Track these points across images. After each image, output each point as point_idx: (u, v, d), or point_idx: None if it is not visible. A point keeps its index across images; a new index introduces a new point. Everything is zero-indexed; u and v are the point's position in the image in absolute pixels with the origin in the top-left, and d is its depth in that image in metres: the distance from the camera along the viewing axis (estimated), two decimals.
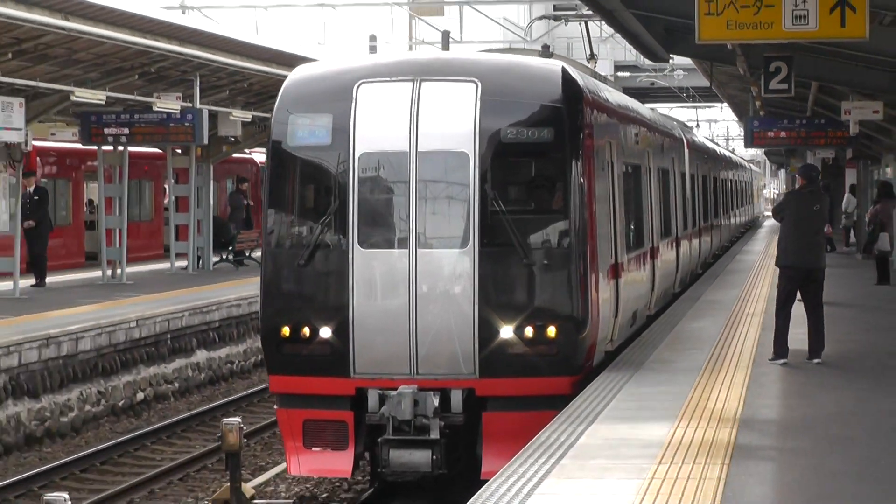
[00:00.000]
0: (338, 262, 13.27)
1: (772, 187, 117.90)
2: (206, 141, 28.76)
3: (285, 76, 14.53)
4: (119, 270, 29.04)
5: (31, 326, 20.17)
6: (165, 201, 36.90)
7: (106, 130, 27.43)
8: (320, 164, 13.64)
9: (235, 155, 38.20)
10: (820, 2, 13.93)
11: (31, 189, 26.60)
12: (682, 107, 72.44)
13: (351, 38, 61.51)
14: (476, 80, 13.39)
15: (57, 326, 20.16)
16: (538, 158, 13.78)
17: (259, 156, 43.72)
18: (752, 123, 32.79)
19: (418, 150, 13.24)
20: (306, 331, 13.33)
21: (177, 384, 23.01)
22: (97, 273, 29.42)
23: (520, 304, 13.20)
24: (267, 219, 13.64)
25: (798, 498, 9.09)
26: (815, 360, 15.05)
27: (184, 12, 40.35)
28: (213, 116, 29.83)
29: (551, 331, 13.13)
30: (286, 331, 13.39)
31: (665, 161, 21.90)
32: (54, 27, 22.29)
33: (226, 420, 14.70)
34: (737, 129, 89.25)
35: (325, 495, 15.18)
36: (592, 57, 26.08)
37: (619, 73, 58.34)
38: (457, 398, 13.08)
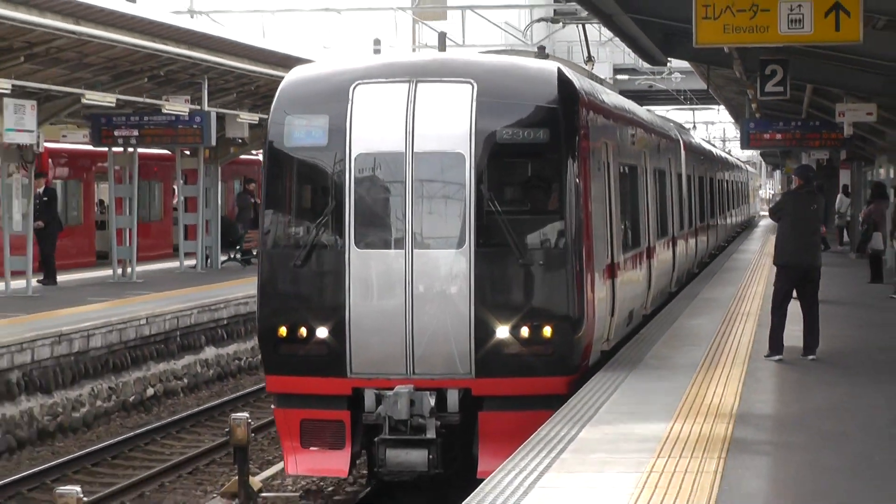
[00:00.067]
0: (334, 263, 13.04)
1: (767, 188, 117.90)
2: (214, 143, 28.78)
3: None
4: (129, 269, 29.02)
5: (44, 324, 20.15)
6: (174, 201, 36.95)
7: (116, 132, 27.43)
8: (317, 165, 13.40)
9: (243, 156, 38.23)
10: (815, 6, 13.93)
11: (41, 190, 26.59)
12: (679, 109, 72.42)
13: (355, 42, 61.54)
14: (472, 81, 13.14)
15: (69, 324, 20.16)
16: (534, 159, 13.50)
17: None
18: (749, 125, 32.79)
19: (414, 150, 13.00)
20: (303, 331, 13.09)
21: (186, 380, 23.02)
22: (108, 272, 29.43)
23: (516, 304, 12.97)
24: (264, 219, 13.42)
25: (792, 491, 9.07)
26: (810, 357, 15.05)
27: (192, 17, 40.38)
28: (220, 119, 29.83)
29: (547, 331, 12.91)
30: (283, 331, 13.15)
31: (661, 162, 21.65)
32: (66, 31, 22.31)
33: (234, 415, 14.75)
34: (733, 131, 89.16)
35: (330, 489, 15.18)
36: (590, 59, 26.08)
37: (618, 76, 58.34)
38: (453, 398, 12.85)
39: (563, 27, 41.47)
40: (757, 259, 33.24)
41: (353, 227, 13.02)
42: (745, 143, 33.16)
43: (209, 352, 24.07)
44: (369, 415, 12.89)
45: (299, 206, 13.72)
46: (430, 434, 12.64)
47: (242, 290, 26.58)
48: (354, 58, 14.63)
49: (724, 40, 14.55)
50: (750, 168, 76.91)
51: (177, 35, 26.68)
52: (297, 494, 14.94)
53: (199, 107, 28.00)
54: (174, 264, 32.98)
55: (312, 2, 44.27)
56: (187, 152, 32.54)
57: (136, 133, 27.40)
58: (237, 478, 14.73)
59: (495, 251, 12.96)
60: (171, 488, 16.34)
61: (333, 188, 13.17)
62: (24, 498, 15.69)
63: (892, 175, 32.24)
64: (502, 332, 12.88)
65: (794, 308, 15.12)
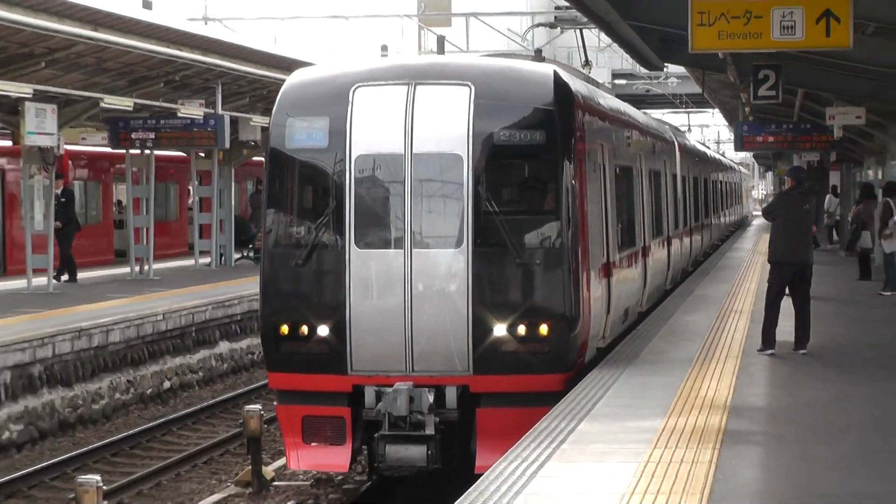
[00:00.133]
0: (335, 262, 12.80)
1: (760, 188, 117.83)
2: (227, 145, 28.75)
3: None
4: (146, 267, 29.03)
5: (64, 319, 20.15)
6: (190, 202, 36.95)
7: (133, 135, 27.38)
8: (318, 166, 13.14)
9: (255, 158, 38.23)
10: (806, 13, 13.93)
11: (59, 191, 26.58)
12: (675, 112, 72.31)
13: (363, 47, 61.50)
14: (469, 83, 12.88)
15: (88, 319, 20.16)
16: (530, 160, 13.22)
17: None
18: (742, 128, 32.77)
19: (413, 152, 12.75)
20: (304, 329, 12.86)
21: (201, 374, 23.01)
22: (126, 269, 29.44)
23: (513, 302, 12.73)
24: (266, 219, 13.20)
25: (784, 479, 9.07)
26: (801, 351, 15.03)
27: (206, 24, 40.37)
28: (234, 122, 29.82)
29: (543, 329, 12.66)
30: (285, 329, 12.93)
31: (657, 163, 21.39)
32: (85, 38, 22.30)
33: (247, 407, 14.80)
34: (727, 134, 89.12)
35: (340, 477, 15.18)
36: (587, 63, 26.09)
37: (617, 81, 58.22)
38: (451, 395, 12.63)
39: (562, 33, 41.42)
40: (750, 257, 33.21)
41: (354, 227, 12.79)
42: (739, 146, 33.13)
43: (223, 346, 24.06)
44: (369, 411, 12.67)
45: (300, 207, 13.48)
46: (429, 430, 12.42)
47: (255, 287, 26.48)
48: (354, 61, 14.43)
49: (718, 46, 14.58)
50: (743, 169, 76.83)
51: (192, 41, 26.69)
52: (309, 483, 14.93)
53: (213, 110, 27.99)
54: (189, 262, 32.98)
55: (321, 9, 44.30)
56: (202, 154, 32.54)
57: (152, 136, 27.37)
58: (250, 467, 14.77)
59: (493, 251, 12.72)
60: (187, 477, 16.31)
61: (334, 189, 12.93)
62: (46, 486, 15.68)
63: (879, 176, 32.21)
64: (500, 330, 12.65)
65: (786, 304, 15.11)
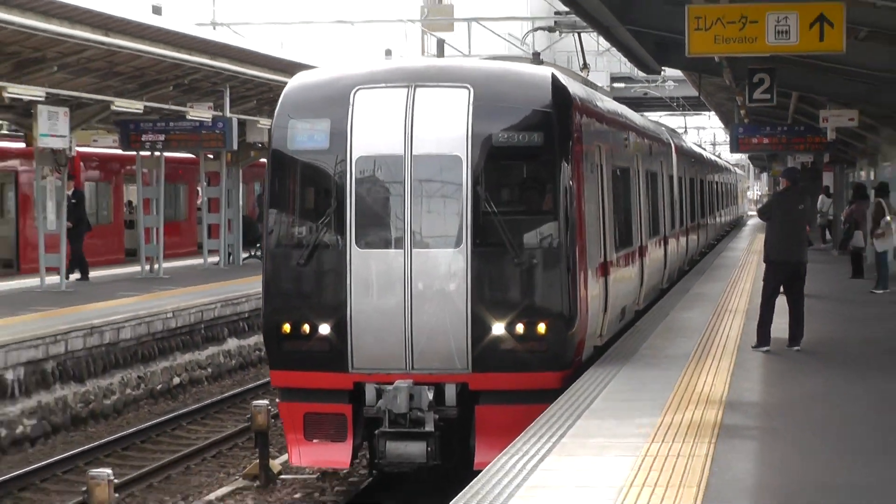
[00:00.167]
0: (336, 262, 12.71)
1: (755, 189, 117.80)
2: (235, 147, 28.76)
3: None
4: (156, 265, 29.05)
5: (77, 317, 20.17)
6: (198, 202, 36.99)
7: (143, 137, 27.40)
8: (319, 168, 13.05)
9: (263, 160, 38.25)
10: (800, 18, 13.95)
11: (70, 192, 26.59)
12: (672, 115, 72.31)
13: (368, 51, 61.53)
14: (469, 86, 12.78)
15: (100, 317, 20.17)
16: (529, 161, 13.11)
17: None
18: (738, 130, 32.75)
19: (413, 153, 12.66)
20: (306, 328, 12.78)
21: (210, 370, 23.03)
22: (136, 268, 29.47)
23: (511, 301, 12.62)
24: (268, 219, 13.10)
25: (779, 472, 9.09)
26: (795, 348, 15.04)
27: (214, 28, 40.35)
28: (241, 124, 29.83)
29: (541, 327, 12.56)
30: (287, 328, 12.83)
31: (653, 164, 21.28)
32: (96, 42, 22.32)
33: (255, 402, 14.82)
34: (723, 136, 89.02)
35: (346, 470, 15.19)
36: (585, 66, 26.08)
37: (615, 84, 58.22)
38: (451, 392, 12.55)
39: (561, 37, 41.44)
40: (745, 256, 33.21)
41: (354, 228, 12.69)
42: (734, 147, 33.12)
43: (232, 343, 24.08)
44: (370, 408, 12.60)
45: (302, 207, 13.38)
46: (429, 427, 12.36)
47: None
48: (355, 64, 14.17)
49: (714, 50, 14.59)
50: (738, 170, 76.81)
51: (200, 46, 26.69)
52: (315, 476, 14.94)
53: (221, 113, 28.00)
54: (198, 261, 33.01)
55: (327, 14, 44.30)
56: (210, 156, 32.55)
57: (162, 138, 27.39)
58: (258, 461, 14.79)
59: (492, 250, 12.62)
60: (196, 471, 16.31)
61: (335, 190, 12.83)
62: (58, 479, 15.71)
63: (872, 177, 32.22)
64: (498, 328, 12.56)
65: (780, 302, 15.12)
